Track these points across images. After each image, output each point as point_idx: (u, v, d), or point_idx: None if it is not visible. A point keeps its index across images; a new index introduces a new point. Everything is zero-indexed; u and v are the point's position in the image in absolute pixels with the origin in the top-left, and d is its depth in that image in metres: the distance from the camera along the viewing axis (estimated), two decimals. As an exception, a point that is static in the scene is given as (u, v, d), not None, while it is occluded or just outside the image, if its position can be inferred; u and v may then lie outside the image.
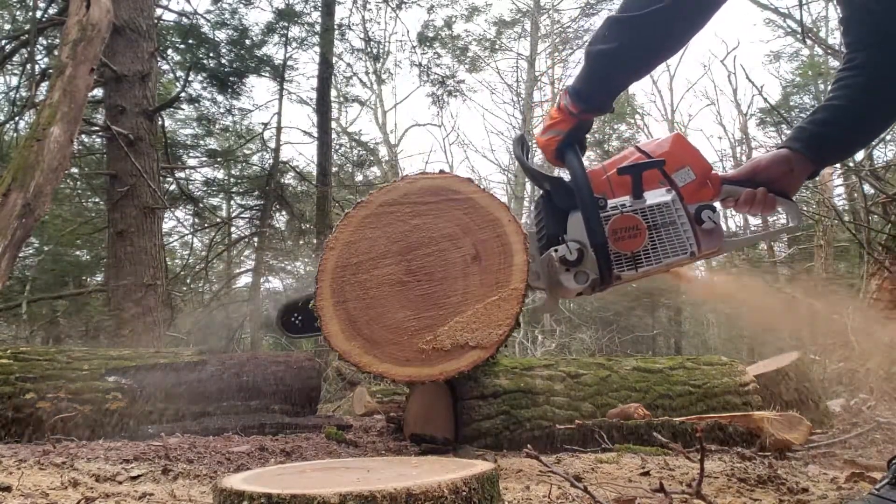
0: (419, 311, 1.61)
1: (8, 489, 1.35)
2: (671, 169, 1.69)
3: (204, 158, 10.61)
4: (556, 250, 1.69)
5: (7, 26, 8.15)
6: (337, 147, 11.36)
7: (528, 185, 16.58)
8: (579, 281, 1.70)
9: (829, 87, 1.66)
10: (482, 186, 1.68)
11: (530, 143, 1.99)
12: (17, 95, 7.25)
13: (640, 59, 1.57)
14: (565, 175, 1.76)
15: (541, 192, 1.80)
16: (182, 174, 9.95)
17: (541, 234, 1.79)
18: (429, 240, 1.63)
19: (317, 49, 9.53)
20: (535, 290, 1.86)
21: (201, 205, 10.54)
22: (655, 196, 1.68)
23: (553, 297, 1.82)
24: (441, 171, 1.70)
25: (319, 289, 1.61)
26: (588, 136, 1.77)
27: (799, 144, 1.66)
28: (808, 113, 1.73)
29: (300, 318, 2.22)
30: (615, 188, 1.71)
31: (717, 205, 1.74)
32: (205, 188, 10.95)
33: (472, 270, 1.63)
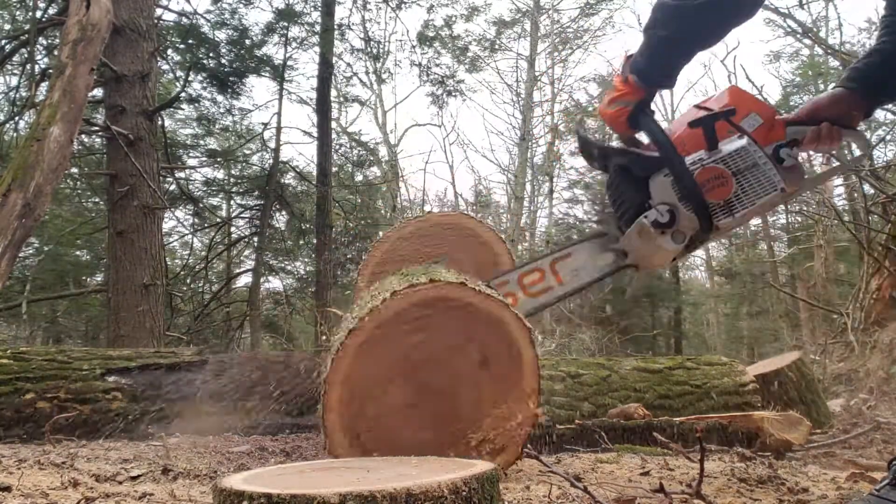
0: (437, 430, 1.54)
1: (8, 489, 1.35)
2: (738, 118, 1.71)
3: (204, 158, 10.61)
4: (646, 216, 1.69)
5: (7, 26, 8.15)
6: (337, 147, 11.36)
7: (529, 186, 16.59)
8: (677, 241, 1.70)
9: (879, 30, 1.72)
10: (478, 288, 1.57)
11: (586, 128, 1.99)
12: (17, 95, 7.25)
13: (691, 44, 1.63)
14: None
15: (610, 170, 1.80)
16: (182, 174, 9.96)
17: (621, 210, 1.79)
18: (433, 354, 1.54)
19: (317, 49, 9.53)
20: (625, 270, 1.88)
21: (201, 205, 10.54)
22: (731, 143, 1.70)
23: (647, 265, 1.83)
24: (431, 280, 1.55)
25: (328, 431, 1.48)
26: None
27: (853, 84, 1.72)
28: (862, 55, 1.79)
29: None
30: (687, 145, 1.72)
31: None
32: (205, 188, 10.95)
33: (483, 376, 1.55)
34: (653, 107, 1.77)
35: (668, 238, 1.69)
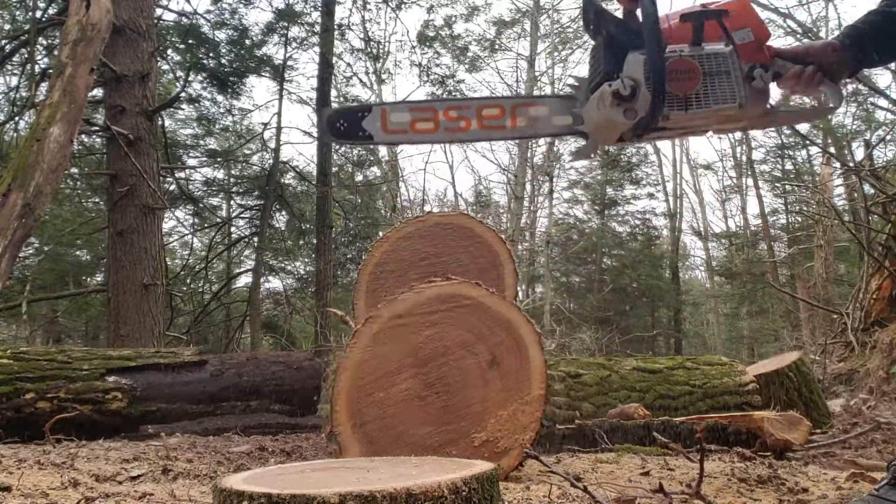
0: (441, 425, 1.55)
1: (8, 489, 1.35)
2: (732, 26, 1.75)
3: (204, 158, 10.62)
4: (610, 84, 1.72)
5: (7, 26, 8.15)
6: (337, 147, 11.35)
7: (529, 186, 16.57)
8: (628, 117, 1.73)
9: None
10: (490, 290, 1.62)
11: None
12: (17, 95, 7.26)
13: None
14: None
15: (599, 35, 1.84)
16: (182, 174, 9.96)
17: (595, 76, 1.83)
18: (443, 350, 1.57)
19: (317, 49, 9.53)
20: (576, 135, 1.91)
21: (201, 205, 10.55)
22: (713, 46, 1.75)
23: (596, 137, 1.86)
24: (447, 277, 1.63)
25: (335, 412, 1.52)
26: None
27: (848, 39, 1.76)
28: (862, 14, 1.82)
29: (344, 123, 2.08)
30: (675, 35, 1.76)
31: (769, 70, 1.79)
32: (205, 188, 10.95)
33: (491, 376, 1.57)
34: None
35: (621, 111, 1.72)
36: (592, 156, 2.02)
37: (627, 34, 1.77)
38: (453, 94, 10.96)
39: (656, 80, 1.68)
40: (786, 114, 2.10)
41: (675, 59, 1.72)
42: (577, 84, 1.91)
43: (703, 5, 1.80)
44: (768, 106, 1.78)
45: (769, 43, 1.80)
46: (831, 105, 1.88)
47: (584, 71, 1.83)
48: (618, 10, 1.85)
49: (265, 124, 10.48)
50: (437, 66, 10.65)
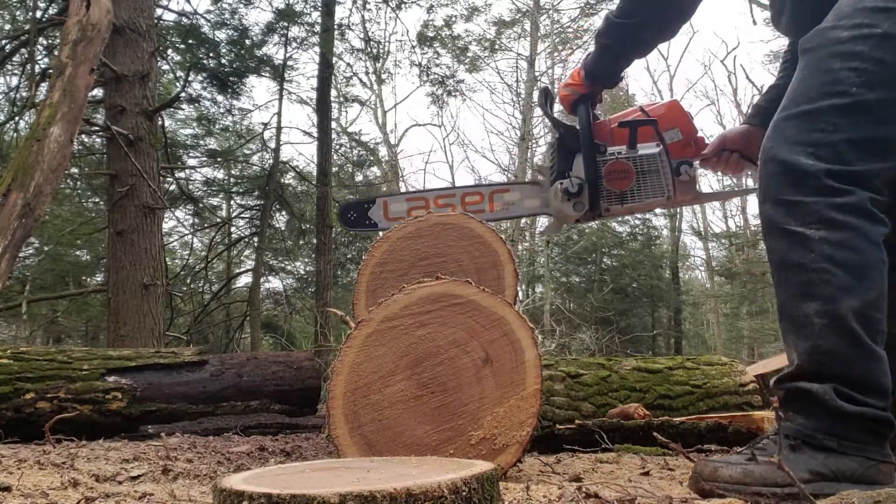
0: (438, 424, 1.56)
1: (8, 489, 1.35)
2: (663, 128, 2.03)
3: (204, 158, 10.62)
4: (561, 183, 2.07)
5: (7, 26, 8.15)
6: (337, 147, 11.37)
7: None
8: (577, 209, 2.07)
9: (778, 67, 1.99)
10: (481, 288, 1.64)
11: (553, 94, 2.37)
12: (17, 95, 7.26)
13: (629, 53, 1.95)
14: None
15: (556, 135, 2.17)
16: (182, 174, 9.97)
17: (552, 169, 2.17)
18: (436, 349, 1.58)
19: (317, 49, 9.53)
20: (544, 215, 2.25)
21: (201, 205, 10.55)
22: (646, 148, 2.03)
23: (557, 221, 2.18)
24: (437, 277, 1.66)
25: (332, 417, 1.53)
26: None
27: (756, 120, 1.99)
28: (762, 92, 2.09)
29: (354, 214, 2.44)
30: (616, 138, 2.05)
31: (696, 163, 2.09)
32: (205, 188, 10.96)
33: (485, 374, 1.58)
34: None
35: (571, 205, 2.07)
36: (557, 233, 2.40)
37: (575, 138, 2.08)
38: (453, 94, 10.98)
39: (592, 185, 2.02)
40: (712, 195, 2.44)
41: (613, 162, 2.03)
42: (540, 175, 2.24)
43: (641, 108, 2.11)
44: (696, 191, 2.06)
45: (702, 136, 2.08)
46: (756, 186, 2.10)
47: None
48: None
49: (265, 124, 10.50)
50: (437, 66, 10.65)
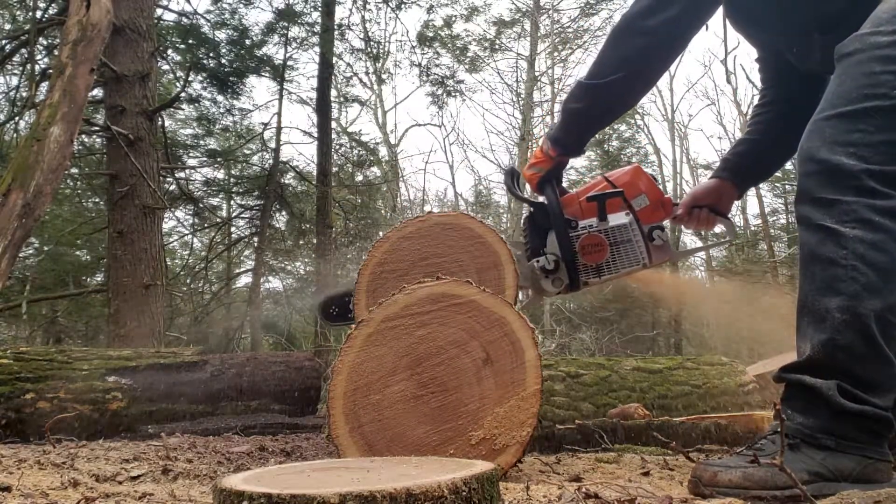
0: (438, 425, 1.55)
1: (8, 489, 1.35)
2: (630, 196, 2.05)
3: (204, 158, 10.61)
4: (537, 261, 2.08)
5: (7, 26, 8.15)
6: (337, 147, 11.35)
7: (528, 187, 16.56)
8: (556, 286, 2.08)
9: (748, 121, 2.05)
10: (481, 288, 1.64)
11: (518, 173, 2.37)
12: (17, 95, 7.26)
13: (603, 116, 1.97)
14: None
15: (528, 212, 2.19)
16: (182, 174, 9.95)
17: (527, 246, 2.17)
18: (436, 349, 1.58)
19: (317, 49, 9.53)
20: (523, 289, 2.20)
21: (201, 205, 10.54)
22: (617, 219, 2.05)
23: (536, 296, 2.19)
24: (437, 277, 1.66)
25: (332, 417, 1.54)
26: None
27: (725, 174, 2.06)
28: (731, 145, 2.15)
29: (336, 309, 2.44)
30: (585, 212, 2.07)
31: (667, 223, 2.13)
32: (205, 188, 10.95)
33: (486, 374, 1.58)
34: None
35: (550, 282, 2.09)
36: (538, 305, 2.39)
37: (546, 216, 2.11)
38: (453, 94, 10.96)
39: (568, 262, 2.05)
40: (686, 252, 2.48)
41: (586, 236, 2.05)
42: (516, 249, 2.19)
43: (605, 177, 2.13)
44: (671, 252, 2.09)
45: (668, 196, 2.11)
46: (727, 238, 2.30)
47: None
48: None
49: (265, 124, 10.47)
50: (437, 66, 10.64)
